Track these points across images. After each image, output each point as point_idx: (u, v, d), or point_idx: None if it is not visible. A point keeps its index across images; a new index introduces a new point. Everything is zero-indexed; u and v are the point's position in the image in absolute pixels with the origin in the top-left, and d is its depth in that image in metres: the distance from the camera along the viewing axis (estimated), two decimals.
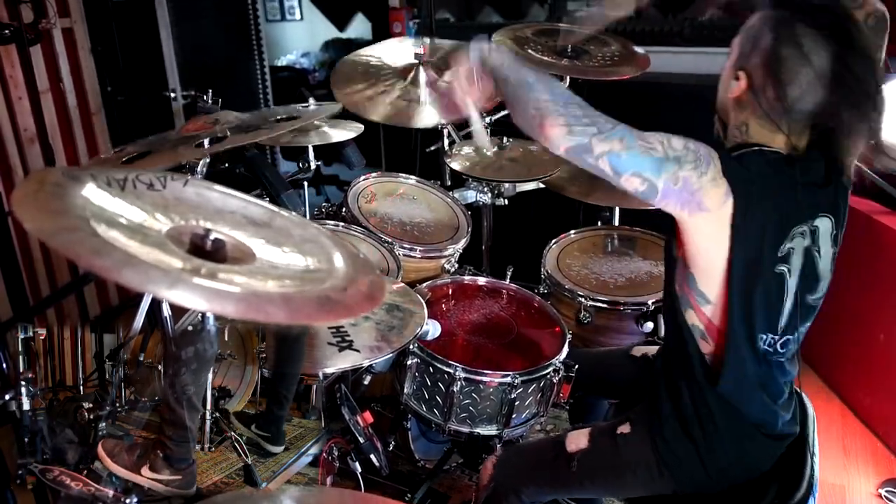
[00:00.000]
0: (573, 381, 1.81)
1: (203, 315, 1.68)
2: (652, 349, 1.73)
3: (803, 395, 1.48)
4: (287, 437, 2.42)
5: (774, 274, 1.25)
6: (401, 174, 2.64)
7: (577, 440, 1.46)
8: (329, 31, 7.53)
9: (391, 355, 1.72)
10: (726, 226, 1.19)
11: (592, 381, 1.82)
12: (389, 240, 2.25)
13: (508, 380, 1.75)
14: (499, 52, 1.27)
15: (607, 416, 2.11)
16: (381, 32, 4.37)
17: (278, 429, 2.34)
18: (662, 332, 2.12)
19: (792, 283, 1.28)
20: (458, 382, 1.75)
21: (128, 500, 1.56)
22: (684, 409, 1.35)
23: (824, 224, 1.28)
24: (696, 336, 1.31)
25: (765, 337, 1.29)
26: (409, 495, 1.95)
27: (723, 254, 1.21)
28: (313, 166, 2.39)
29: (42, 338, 2.70)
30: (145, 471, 1.77)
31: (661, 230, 2.49)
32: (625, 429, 1.43)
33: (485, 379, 1.75)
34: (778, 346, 1.31)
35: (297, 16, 7.60)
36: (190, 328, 1.71)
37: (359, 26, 7.29)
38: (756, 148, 1.25)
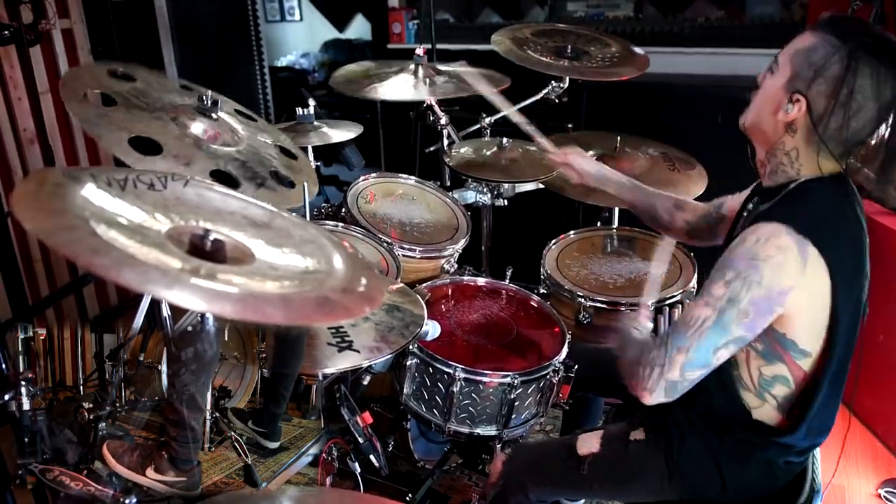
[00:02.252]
0: (573, 379, 1.81)
1: (202, 315, 1.68)
2: None
3: None
4: (287, 437, 2.42)
5: (861, 297, 1.27)
6: (400, 174, 2.64)
7: (589, 443, 1.45)
8: (329, 32, 7.53)
9: (390, 356, 1.72)
10: (824, 277, 1.18)
11: (595, 377, 1.82)
12: (389, 240, 2.25)
13: (508, 380, 1.75)
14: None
15: (608, 419, 2.11)
16: (381, 33, 4.37)
17: (274, 425, 2.33)
18: (662, 333, 2.11)
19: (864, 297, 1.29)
20: (458, 383, 1.75)
21: (127, 500, 1.56)
22: (716, 433, 1.34)
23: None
24: (775, 383, 1.28)
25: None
26: (408, 496, 1.95)
27: (826, 306, 1.21)
28: (313, 167, 2.38)
29: (42, 338, 2.70)
30: (150, 472, 1.78)
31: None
32: (638, 435, 1.42)
33: (484, 379, 1.75)
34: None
35: (297, 16, 7.59)
36: (189, 328, 1.71)
37: (358, 27, 7.29)
38: (810, 178, 1.25)
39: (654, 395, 1.22)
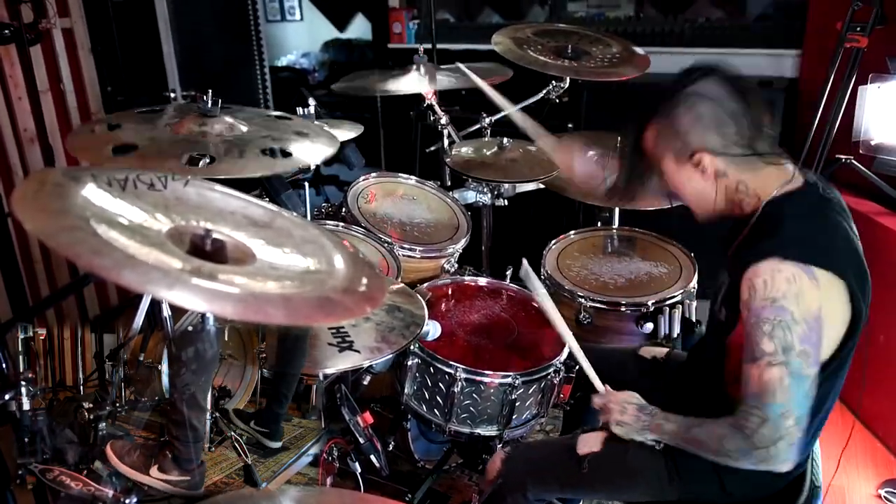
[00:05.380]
0: (576, 379, 1.81)
1: (203, 315, 1.67)
2: (661, 351, 1.72)
3: None
4: (287, 437, 2.42)
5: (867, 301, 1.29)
6: (400, 174, 2.64)
7: (590, 443, 1.45)
8: (329, 32, 7.53)
9: (391, 356, 1.72)
10: (839, 288, 1.21)
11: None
12: (389, 240, 2.24)
13: (509, 380, 1.75)
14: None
15: None
16: (381, 33, 4.37)
17: (276, 425, 2.33)
18: (662, 333, 2.11)
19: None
20: (459, 383, 1.75)
21: (127, 500, 1.56)
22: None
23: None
24: None
25: None
26: (408, 496, 1.94)
27: (846, 317, 1.24)
28: (313, 166, 2.38)
29: (42, 338, 2.70)
30: (154, 471, 1.78)
31: (661, 231, 2.49)
32: None
33: (485, 379, 1.75)
34: None
35: (297, 16, 7.60)
36: (190, 328, 1.71)
37: (359, 27, 7.29)
38: (772, 200, 1.28)
39: (793, 460, 1.21)
